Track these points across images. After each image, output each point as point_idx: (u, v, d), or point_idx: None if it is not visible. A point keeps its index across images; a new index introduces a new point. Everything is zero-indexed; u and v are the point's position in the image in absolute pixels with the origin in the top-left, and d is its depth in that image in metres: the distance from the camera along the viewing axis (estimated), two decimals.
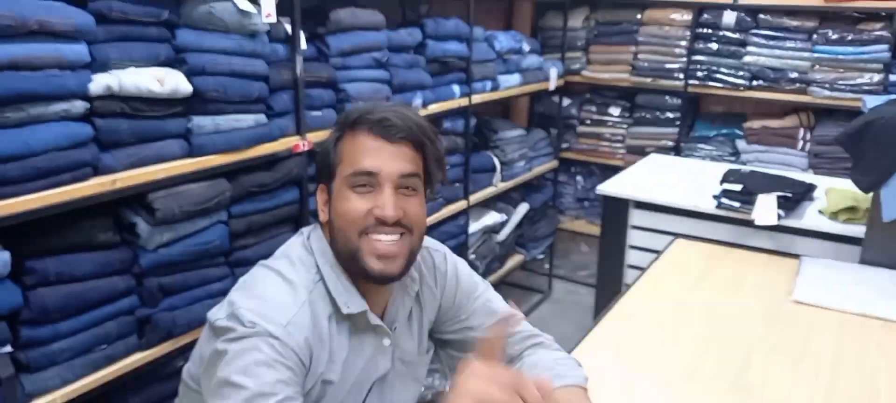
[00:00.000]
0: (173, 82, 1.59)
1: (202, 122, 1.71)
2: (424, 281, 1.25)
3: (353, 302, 1.10)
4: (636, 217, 2.49)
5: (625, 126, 3.88)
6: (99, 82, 1.46)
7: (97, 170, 1.50)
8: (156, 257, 1.64)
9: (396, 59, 2.40)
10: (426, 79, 2.54)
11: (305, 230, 1.18)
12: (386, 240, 1.07)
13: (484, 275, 3.17)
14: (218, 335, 1.03)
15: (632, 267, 2.55)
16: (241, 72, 1.76)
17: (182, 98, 1.64)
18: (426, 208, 1.15)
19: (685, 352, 1.50)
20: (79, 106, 1.44)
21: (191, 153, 1.70)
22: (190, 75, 1.64)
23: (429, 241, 1.30)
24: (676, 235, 2.24)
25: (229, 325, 1.01)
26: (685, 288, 1.83)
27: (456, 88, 2.75)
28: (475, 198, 3.01)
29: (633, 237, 2.51)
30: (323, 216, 1.15)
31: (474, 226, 3.07)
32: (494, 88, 3.04)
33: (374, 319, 1.13)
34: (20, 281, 1.41)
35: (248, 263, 1.88)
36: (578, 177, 4.15)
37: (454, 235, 2.88)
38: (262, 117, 1.88)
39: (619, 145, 3.89)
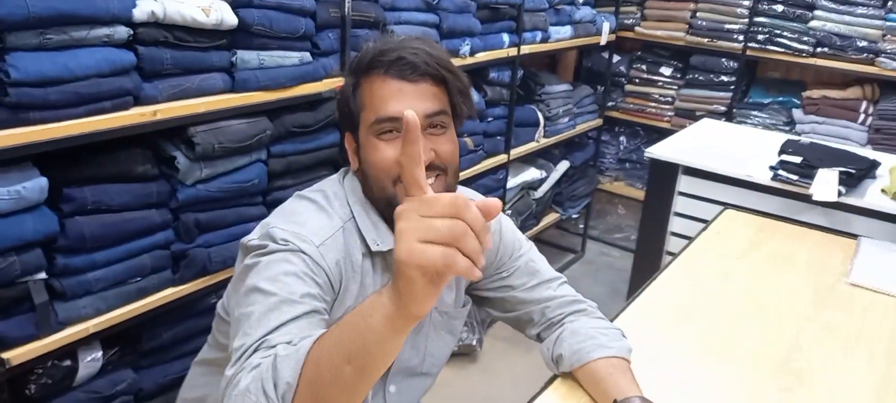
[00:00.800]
0: (219, 13, 1.54)
1: (246, 57, 1.66)
2: None
3: (382, 239, 1.08)
4: (684, 183, 2.39)
5: (675, 87, 3.73)
6: (143, 8, 1.42)
7: (138, 100, 1.47)
8: (193, 192, 1.61)
9: (446, 3, 2.31)
10: (476, 25, 2.45)
11: (341, 172, 1.17)
12: None
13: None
14: (249, 252, 1.02)
15: (675, 234, 2.46)
16: (288, 7, 1.70)
17: (227, 30, 1.58)
18: (459, 145, 1.10)
19: (731, 327, 1.43)
20: (122, 31, 1.40)
21: (233, 88, 1.65)
22: (236, 7, 1.59)
23: (466, 190, 1.24)
24: (725, 205, 2.15)
25: (261, 243, 1.01)
26: (734, 259, 1.75)
27: (505, 37, 2.65)
28: (516, 152, 2.94)
29: (679, 203, 2.42)
30: (354, 164, 1.12)
31: (513, 181, 3.01)
32: (545, 40, 2.94)
33: None
34: (57, 208, 1.39)
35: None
36: (622, 138, 4.03)
37: (492, 189, 2.82)
38: (306, 55, 1.82)
39: (667, 107, 3.75)
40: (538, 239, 3.88)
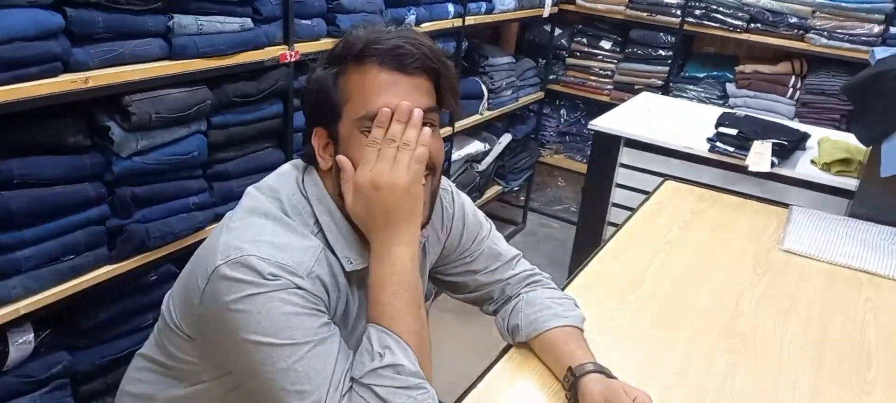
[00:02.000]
0: None
1: (184, 21, 1.58)
2: (432, 227, 1.17)
3: (355, 258, 1.00)
4: (625, 155, 2.44)
5: (615, 61, 3.79)
6: None
7: (68, 67, 1.37)
8: (130, 165, 1.54)
9: None
10: None
11: (296, 169, 1.05)
12: None
13: None
14: (227, 288, 0.89)
15: (616, 205, 2.51)
16: None
17: None
18: None
19: (676, 296, 1.47)
20: None
21: (170, 55, 1.57)
22: None
23: (449, 185, 1.23)
24: (665, 176, 2.20)
25: (244, 277, 0.88)
26: (676, 229, 1.80)
27: (451, 7, 2.63)
28: (460, 124, 2.93)
29: (621, 175, 2.47)
30: (324, 163, 0.99)
31: (457, 154, 3.00)
32: (489, 11, 2.92)
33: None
34: None
35: (227, 177, 1.81)
36: (563, 111, 4.08)
37: None
38: (248, 22, 1.75)
39: (606, 80, 3.81)
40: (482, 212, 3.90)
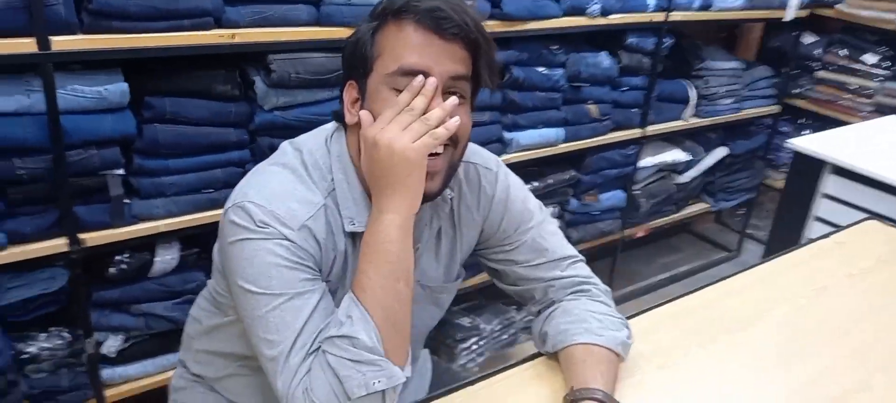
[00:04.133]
0: None
1: None
2: (463, 201, 1.11)
3: (360, 218, 0.99)
4: (831, 184, 2.03)
5: (880, 78, 3.16)
6: None
7: (219, 23, 1.56)
8: (270, 117, 1.69)
9: None
10: None
11: (328, 128, 1.05)
12: (431, 159, 0.92)
13: (649, 216, 2.88)
14: (228, 230, 0.95)
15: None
16: None
17: None
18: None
19: (795, 344, 1.20)
20: None
21: (318, 21, 1.69)
22: None
23: (480, 155, 1.14)
24: (875, 215, 1.79)
25: (237, 221, 0.93)
26: (841, 275, 1.45)
27: (650, 0, 2.42)
28: (655, 129, 2.69)
29: (823, 207, 2.06)
30: (350, 118, 0.98)
31: (648, 160, 2.77)
32: (705, 6, 2.63)
33: None
34: (138, 113, 1.54)
35: None
36: (806, 132, 3.51)
37: (618, 165, 2.62)
38: None
39: (865, 100, 3.20)
40: (684, 229, 3.58)
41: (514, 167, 2.27)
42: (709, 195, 3.19)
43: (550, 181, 2.43)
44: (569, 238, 2.51)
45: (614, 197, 2.68)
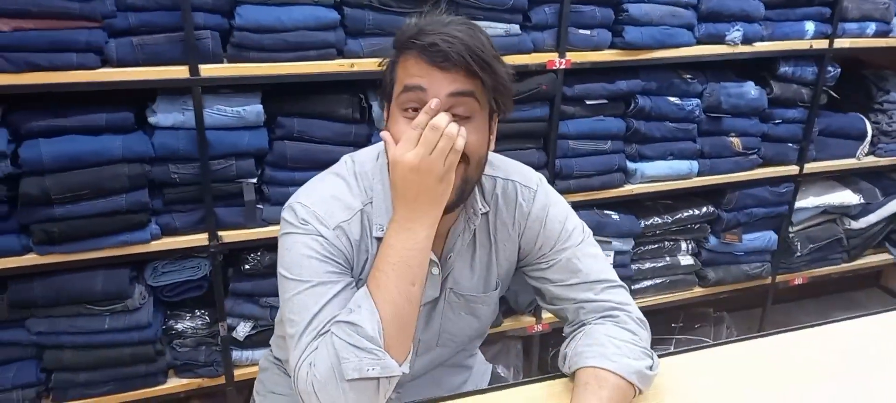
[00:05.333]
0: None
1: None
2: (499, 216, 1.15)
3: (387, 227, 1.05)
4: None
5: None
6: None
7: (342, 53, 1.76)
8: None
9: None
10: (755, 8, 2.13)
11: (382, 144, 1.12)
12: None
13: (809, 263, 2.60)
14: (281, 225, 1.09)
15: None
16: None
17: None
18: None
19: None
20: None
21: None
22: None
23: (521, 173, 1.18)
24: None
25: (286, 218, 1.07)
26: None
27: (808, 26, 2.23)
28: (816, 166, 2.46)
29: None
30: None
31: (809, 201, 2.52)
32: (883, 32, 2.36)
33: None
34: (271, 131, 1.78)
35: None
36: None
37: (767, 203, 2.43)
38: (515, 27, 1.89)
39: None
40: (858, 276, 3.16)
41: (640, 198, 2.25)
42: (893, 245, 2.80)
43: (682, 215, 2.32)
44: (704, 277, 2.43)
45: (762, 238, 2.48)
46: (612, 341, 1.04)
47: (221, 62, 1.67)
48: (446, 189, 0.98)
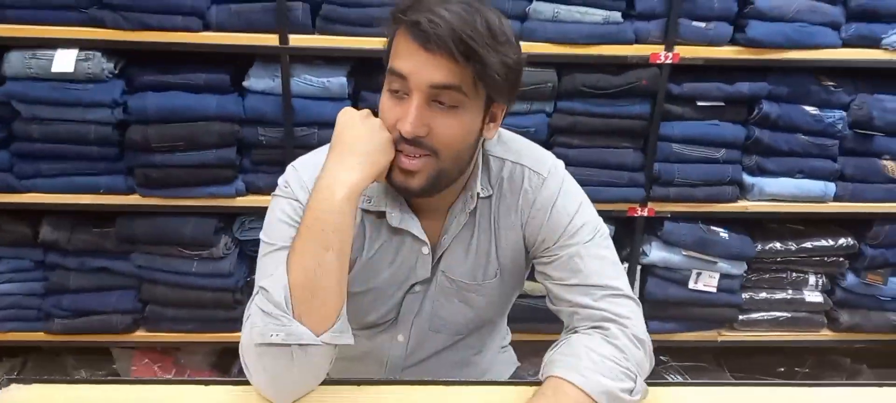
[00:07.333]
0: None
1: (541, 8, 1.74)
2: (503, 200, 1.07)
3: (376, 199, 1.05)
4: None
5: None
6: None
7: None
8: None
9: None
10: None
11: None
12: (407, 158, 0.95)
13: None
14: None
15: None
16: None
17: None
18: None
19: None
20: None
21: (521, 36, 1.75)
22: None
23: (533, 158, 1.08)
24: None
25: (279, 182, 1.07)
26: None
27: None
28: None
29: None
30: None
31: None
32: None
33: (395, 221, 1.05)
34: (356, 105, 1.82)
35: (568, 163, 1.87)
36: None
37: None
38: (615, 15, 1.76)
39: None
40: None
41: (759, 217, 1.97)
42: None
43: (811, 244, 2.01)
44: (835, 320, 2.09)
45: None
46: (589, 354, 0.93)
47: (311, 33, 1.74)
48: (382, 159, 0.93)
